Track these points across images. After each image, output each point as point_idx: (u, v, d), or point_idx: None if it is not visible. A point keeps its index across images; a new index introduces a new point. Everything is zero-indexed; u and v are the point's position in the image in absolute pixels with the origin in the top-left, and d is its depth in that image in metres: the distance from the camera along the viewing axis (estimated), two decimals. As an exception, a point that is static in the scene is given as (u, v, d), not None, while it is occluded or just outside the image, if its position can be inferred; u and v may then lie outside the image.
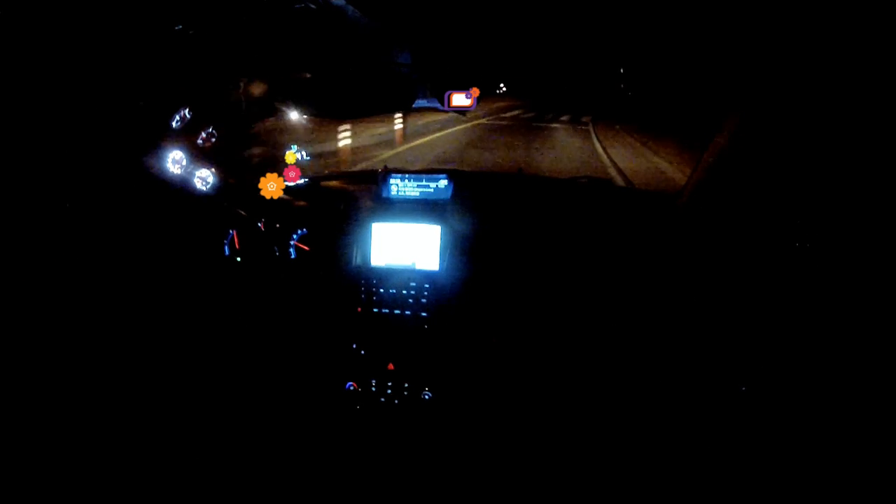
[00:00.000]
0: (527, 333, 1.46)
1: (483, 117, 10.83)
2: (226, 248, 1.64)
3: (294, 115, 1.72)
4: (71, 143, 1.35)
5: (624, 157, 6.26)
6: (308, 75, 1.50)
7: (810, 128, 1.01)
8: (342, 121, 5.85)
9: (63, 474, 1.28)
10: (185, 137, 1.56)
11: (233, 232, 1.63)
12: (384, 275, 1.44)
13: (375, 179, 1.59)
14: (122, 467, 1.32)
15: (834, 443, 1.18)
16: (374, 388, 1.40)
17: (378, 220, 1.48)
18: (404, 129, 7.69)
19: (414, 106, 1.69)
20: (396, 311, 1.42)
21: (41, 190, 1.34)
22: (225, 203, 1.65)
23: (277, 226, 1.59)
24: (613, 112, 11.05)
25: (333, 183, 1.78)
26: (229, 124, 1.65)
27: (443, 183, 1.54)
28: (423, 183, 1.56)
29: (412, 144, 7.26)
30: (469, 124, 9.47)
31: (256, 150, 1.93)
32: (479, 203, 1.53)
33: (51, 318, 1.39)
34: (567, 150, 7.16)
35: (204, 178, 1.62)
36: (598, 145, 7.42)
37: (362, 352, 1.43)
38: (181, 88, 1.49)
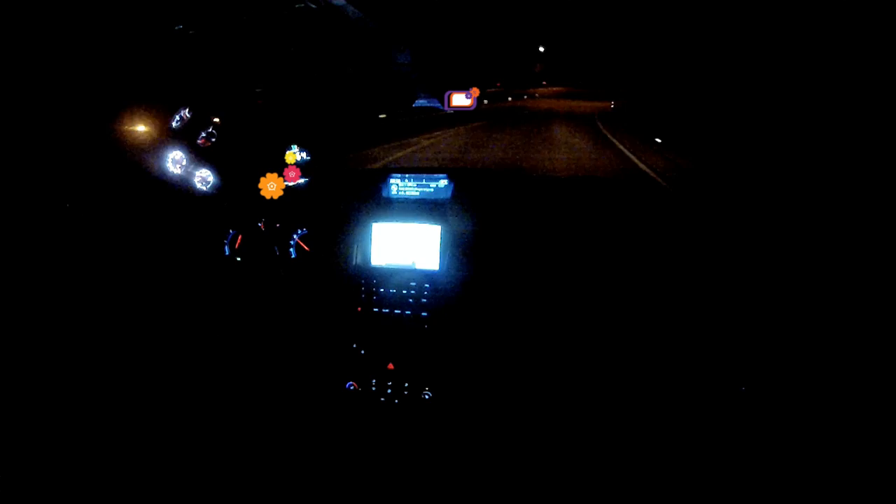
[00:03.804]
0: (527, 333, 1.46)
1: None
2: (226, 248, 1.64)
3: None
4: (71, 143, 1.35)
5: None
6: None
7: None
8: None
9: (63, 473, 1.28)
10: (185, 137, 1.56)
11: (233, 232, 1.63)
12: (384, 275, 1.44)
13: (375, 179, 1.59)
14: (121, 467, 1.32)
15: (833, 442, 1.18)
16: (374, 388, 1.40)
17: (378, 220, 1.48)
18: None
19: (414, 106, 1.69)
20: (396, 311, 1.42)
21: (41, 190, 1.34)
22: (225, 203, 1.65)
23: (277, 226, 1.59)
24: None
25: (333, 183, 1.78)
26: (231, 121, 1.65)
27: (443, 183, 1.54)
28: (424, 183, 1.56)
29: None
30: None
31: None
32: (479, 203, 1.53)
33: (51, 317, 1.39)
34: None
35: (204, 178, 1.62)
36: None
37: (362, 352, 1.43)
38: (181, 88, 1.49)
